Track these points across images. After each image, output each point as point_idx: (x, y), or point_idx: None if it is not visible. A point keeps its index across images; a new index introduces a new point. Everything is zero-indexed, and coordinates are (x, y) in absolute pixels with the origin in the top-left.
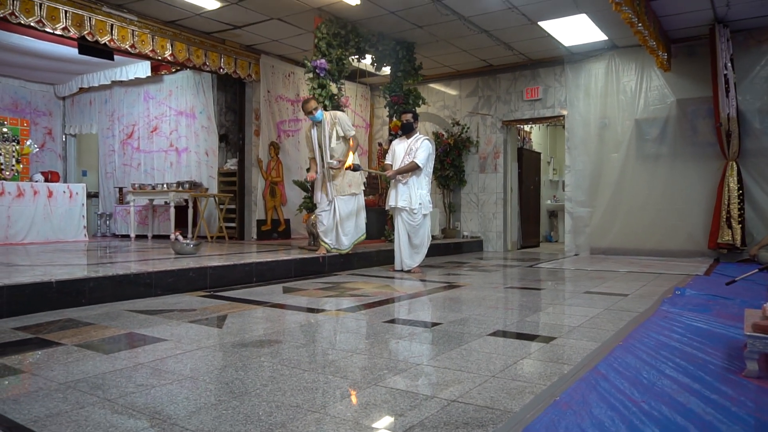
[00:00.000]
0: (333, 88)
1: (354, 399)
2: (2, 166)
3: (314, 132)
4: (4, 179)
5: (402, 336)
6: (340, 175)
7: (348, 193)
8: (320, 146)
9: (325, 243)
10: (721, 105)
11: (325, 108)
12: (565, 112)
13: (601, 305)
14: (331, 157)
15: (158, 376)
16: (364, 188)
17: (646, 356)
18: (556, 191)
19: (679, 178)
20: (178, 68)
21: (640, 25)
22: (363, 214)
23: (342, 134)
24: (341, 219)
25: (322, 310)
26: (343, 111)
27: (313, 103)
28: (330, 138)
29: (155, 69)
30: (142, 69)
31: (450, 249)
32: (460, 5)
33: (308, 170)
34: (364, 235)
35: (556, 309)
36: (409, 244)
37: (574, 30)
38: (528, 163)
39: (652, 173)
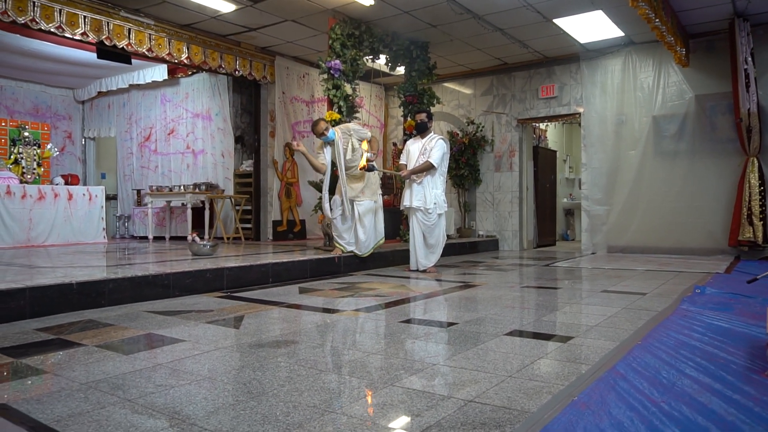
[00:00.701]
0: (347, 88)
1: (370, 399)
2: (24, 170)
3: (327, 151)
4: (26, 182)
5: (418, 336)
6: (358, 182)
7: (366, 199)
8: (333, 164)
9: (340, 245)
10: (741, 100)
11: (339, 109)
12: (581, 110)
13: (619, 304)
14: (348, 169)
15: (177, 377)
16: (380, 192)
17: (665, 356)
18: (573, 189)
19: (698, 175)
20: (195, 71)
21: (657, 20)
22: (381, 219)
23: (358, 144)
24: (361, 223)
25: (338, 311)
26: (356, 112)
27: (323, 125)
28: (346, 152)
29: (172, 72)
30: (159, 72)
31: (465, 248)
32: (475, 4)
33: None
34: (383, 240)
35: (573, 308)
36: (425, 244)
37: (589, 26)
38: (544, 161)
39: (671, 170)
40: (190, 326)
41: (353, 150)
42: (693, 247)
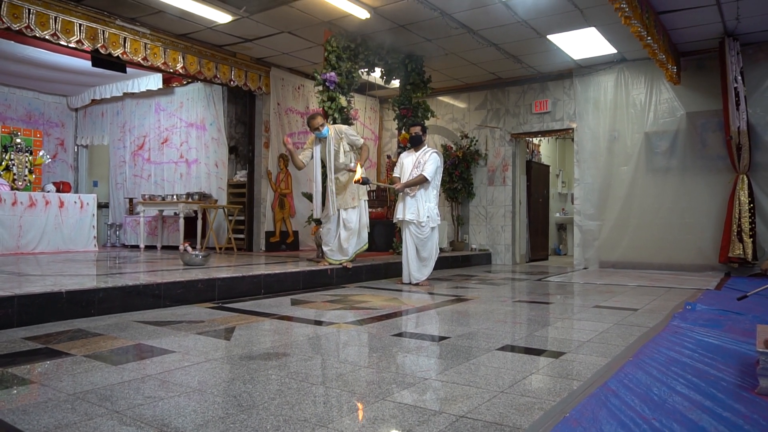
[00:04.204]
0: (342, 100)
1: (361, 413)
2: (15, 176)
3: (317, 149)
4: (17, 189)
5: (410, 350)
6: (345, 190)
7: (351, 206)
8: (323, 163)
9: (330, 259)
10: (732, 118)
11: (334, 121)
12: (574, 125)
13: (611, 320)
14: (337, 170)
15: (166, 389)
16: (366, 198)
17: (656, 372)
18: (565, 204)
19: (689, 192)
20: (189, 80)
21: (649, 38)
22: (365, 224)
23: (349, 147)
24: (345, 230)
25: (330, 323)
26: (351, 123)
27: (320, 119)
28: (337, 153)
29: (167, 81)
30: (154, 81)
31: (458, 262)
32: (470, 19)
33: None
34: (366, 245)
35: (565, 323)
36: (417, 257)
37: (583, 43)
38: (537, 176)
39: (662, 186)
40: (181, 337)
41: (344, 152)
42: (684, 263)
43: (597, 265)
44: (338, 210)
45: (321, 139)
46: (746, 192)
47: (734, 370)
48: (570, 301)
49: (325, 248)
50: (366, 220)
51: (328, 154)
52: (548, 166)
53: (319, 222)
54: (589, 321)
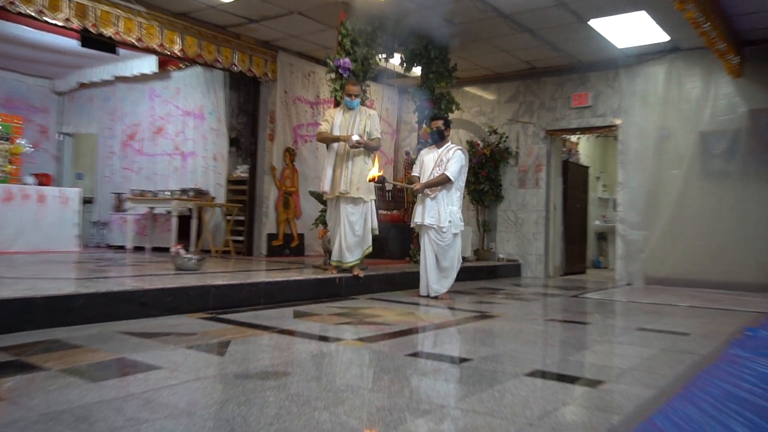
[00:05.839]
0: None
1: None
2: None
3: (338, 117)
4: None
5: (426, 372)
6: (357, 176)
7: (357, 197)
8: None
9: (334, 260)
10: None
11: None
12: (618, 122)
13: (658, 345)
14: (354, 154)
15: (151, 410)
16: (374, 198)
17: (710, 408)
18: (606, 211)
19: (752, 200)
20: (188, 64)
21: (707, 24)
22: (370, 224)
23: (368, 132)
24: (345, 226)
25: (337, 339)
26: None
27: (359, 88)
28: (358, 130)
29: (162, 65)
30: (148, 64)
31: (483, 273)
32: (501, 2)
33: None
34: (370, 248)
35: (604, 347)
36: (437, 267)
37: (629, 29)
38: (574, 178)
39: (719, 193)
40: (169, 351)
41: (364, 134)
42: (743, 282)
43: (642, 282)
44: (340, 198)
45: (347, 111)
46: None
47: None
48: (610, 321)
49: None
50: (371, 222)
51: (350, 129)
52: (587, 168)
53: (327, 224)
54: (632, 345)
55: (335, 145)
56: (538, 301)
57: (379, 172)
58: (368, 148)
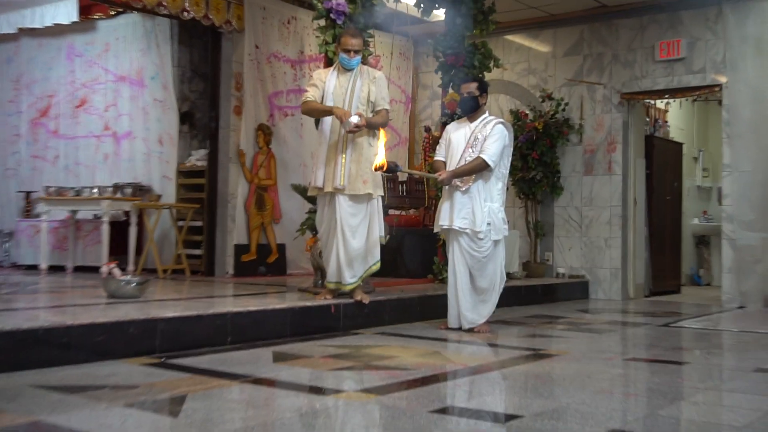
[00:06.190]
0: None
1: None
2: None
3: (331, 81)
4: None
5: None
6: (359, 164)
7: (361, 192)
8: (335, 104)
9: (329, 282)
10: None
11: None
12: (722, 80)
13: None
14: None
15: None
16: (383, 194)
17: None
18: (708, 205)
19: None
20: (120, 10)
21: None
22: (377, 229)
23: (372, 102)
24: (344, 233)
25: (335, 391)
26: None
27: (361, 41)
28: (358, 99)
29: (85, 11)
30: (65, 11)
31: (536, 295)
32: None
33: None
34: (378, 264)
35: (708, 397)
36: (472, 288)
37: None
38: (662, 159)
39: None
40: (101, 411)
41: (366, 104)
42: None
43: (761, 303)
44: (336, 194)
45: (343, 73)
46: None
47: None
48: (716, 360)
49: (325, 261)
50: (379, 230)
51: (346, 94)
52: (681, 145)
53: (316, 231)
54: (747, 394)
55: (328, 119)
56: (613, 333)
57: (386, 157)
58: (372, 126)
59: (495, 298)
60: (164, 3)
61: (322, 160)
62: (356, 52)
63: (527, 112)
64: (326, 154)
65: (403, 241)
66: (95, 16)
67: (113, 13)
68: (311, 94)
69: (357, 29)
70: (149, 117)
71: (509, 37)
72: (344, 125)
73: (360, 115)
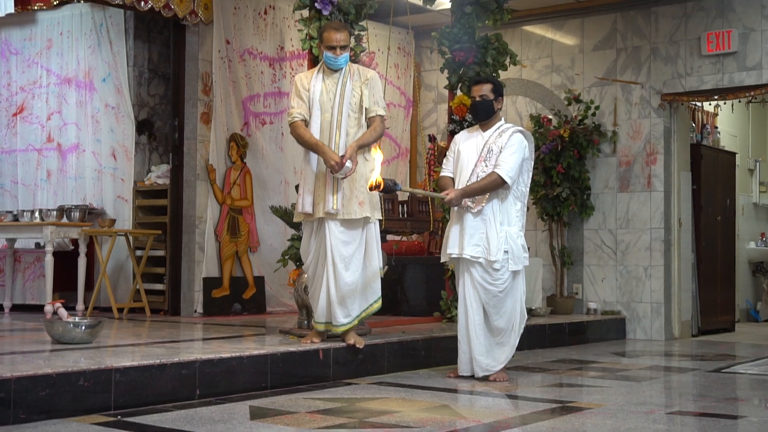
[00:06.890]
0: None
1: None
2: None
3: (316, 86)
4: None
5: None
6: (353, 184)
7: (354, 216)
8: (322, 112)
9: (317, 322)
10: None
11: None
12: None
13: None
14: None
15: None
16: (381, 217)
17: None
18: (767, 226)
19: None
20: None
21: None
22: (376, 260)
23: (366, 108)
24: (336, 264)
25: None
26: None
27: (347, 34)
28: (349, 105)
29: (23, 1)
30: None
31: (563, 335)
32: None
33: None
34: (379, 303)
35: None
36: (487, 328)
37: None
38: (711, 172)
39: None
40: None
41: (359, 111)
42: None
43: None
44: (326, 220)
45: (330, 75)
46: None
47: None
48: None
49: (311, 299)
50: (379, 261)
51: (334, 101)
52: (733, 155)
53: (301, 262)
54: None
55: (317, 131)
56: (655, 381)
57: (382, 174)
58: (365, 146)
59: (514, 340)
60: None
61: (311, 180)
62: (342, 48)
63: (550, 117)
64: (315, 174)
65: (405, 272)
66: (35, 7)
67: (56, 3)
68: (297, 112)
69: (341, 21)
70: (100, 126)
71: (528, 28)
72: (336, 174)
73: (352, 159)
